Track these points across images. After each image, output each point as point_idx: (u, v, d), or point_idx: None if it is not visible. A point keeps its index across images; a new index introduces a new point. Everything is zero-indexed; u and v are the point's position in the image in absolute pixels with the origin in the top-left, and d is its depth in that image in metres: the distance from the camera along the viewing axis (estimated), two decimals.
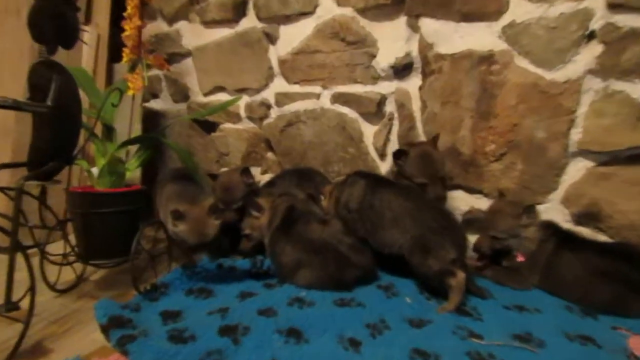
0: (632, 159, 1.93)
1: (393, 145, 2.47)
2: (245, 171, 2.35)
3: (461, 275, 1.73)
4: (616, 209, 1.98)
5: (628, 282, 1.71)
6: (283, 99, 2.76)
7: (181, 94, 3.14)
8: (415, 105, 2.41)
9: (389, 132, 2.48)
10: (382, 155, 2.52)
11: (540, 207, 2.10)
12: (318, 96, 2.66)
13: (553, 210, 2.09)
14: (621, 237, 1.97)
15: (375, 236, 1.96)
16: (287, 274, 1.93)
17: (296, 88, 2.73)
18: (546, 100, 2.04)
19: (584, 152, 2.02)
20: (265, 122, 2.86)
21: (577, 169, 2.04)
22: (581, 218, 2.05)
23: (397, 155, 2.15)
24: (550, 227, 1.95)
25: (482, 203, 2.24)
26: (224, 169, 2.83)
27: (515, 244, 1.93)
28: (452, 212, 2.07)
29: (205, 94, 3.06)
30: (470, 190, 2.29)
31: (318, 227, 1.97)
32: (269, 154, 2.91)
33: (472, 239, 2.12)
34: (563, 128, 2.02)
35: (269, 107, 2.83)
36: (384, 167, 2.51)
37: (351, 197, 2.07)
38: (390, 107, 2.48)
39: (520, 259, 1.95)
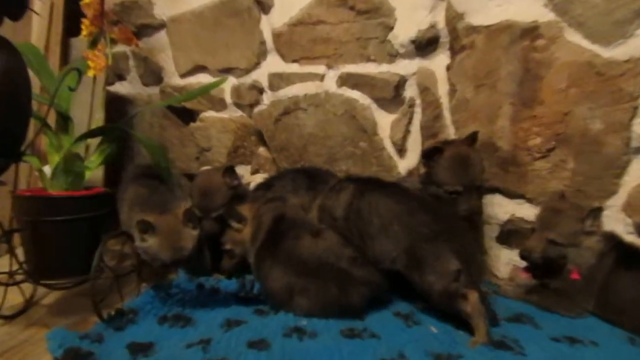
0: None
1: (414, 139, 2.48)
2: (229, 170, 2.34)
3: (474, 295, 1.73)
4: None
5: None
6: (278, 81, 2.77)
7: (153, 75, 3.15)
8: (442, 89, 2.41)
9: (410, 122, 2.49)
10: (401, 151, 2.53)
11: None
12: (322, 77, 2.66)
13: (612, 218, 2.08)
14: None
15: (364, 248, 1.98)
16: (280, 303, 1.94)
17: (294, 68, 2.73)
18: (603, 83, 2.03)
19: None
20: (257, 109, 2.86)
21: None
22: None
23: (430, 153, 2.15)
24: (611, 240, 1.95)
25: (525, 210, 2.24)
26: (204, 168, 2.83)
27: (573, 255, 1.93)
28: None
29: (183, 75, 3.07)
30: (511, 195, 2.28)
31: (310, 242, 1.97)
32: (261, 150, 2.92)
33: (510, 254, 2.12)
34: (624, 118, 2.01)
35: (260, 91, 2.84)
36: (403, 165, 2.52)
37: (337, 204, 2.10)
38: (411, 92, 2.48)
39: (574, 276, 1.94)
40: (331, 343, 1.65)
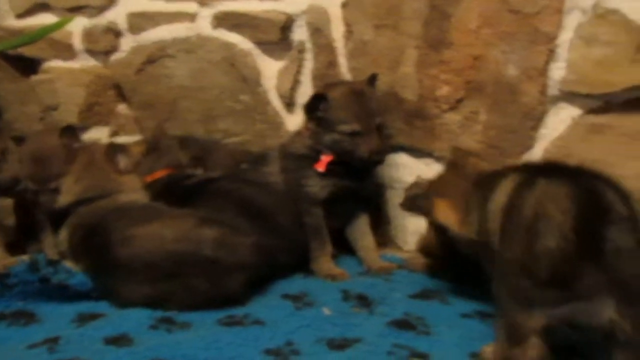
0: (631, 105, 2.04)
1: (305, 90, 2.51)
2: (68, 130, 2.31)
3: None
4: (614, 172, 2.08)
5: None
6: (140, 21, 2.74)
7: None
8: (337, 31, 2.45)
9: (299, 70, 2.52)
10: (290, 105, 2.56)
11: None
12: (193, 17, 2.65)
13: None
14: None
15: None
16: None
17: (159, 5, 2.71)
18: (519, 23, 2.12)
19: (568, 96, 2.11)
20: (114, 57, 2.83)
21: (560, 119, 2.14)
22: None
23: (315, 102, 2.18)
24: None
25: (433, 171, 2.30)
26: (37, 130, 2.78)
27: None
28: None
29: (20, 15, 2.98)
30: (417, 153, 2.37)
31: (149, 236, 1.92)
32: (121, 107, 2.90)
33: (417, 223, 2.22)
34: (540, 62, 2.12)
35: (118, 34, 2.80)
36: (292, 122, 2.55)
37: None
38: (300, 34, 2.51)
39: None
40: (207, 334, 1.68)
